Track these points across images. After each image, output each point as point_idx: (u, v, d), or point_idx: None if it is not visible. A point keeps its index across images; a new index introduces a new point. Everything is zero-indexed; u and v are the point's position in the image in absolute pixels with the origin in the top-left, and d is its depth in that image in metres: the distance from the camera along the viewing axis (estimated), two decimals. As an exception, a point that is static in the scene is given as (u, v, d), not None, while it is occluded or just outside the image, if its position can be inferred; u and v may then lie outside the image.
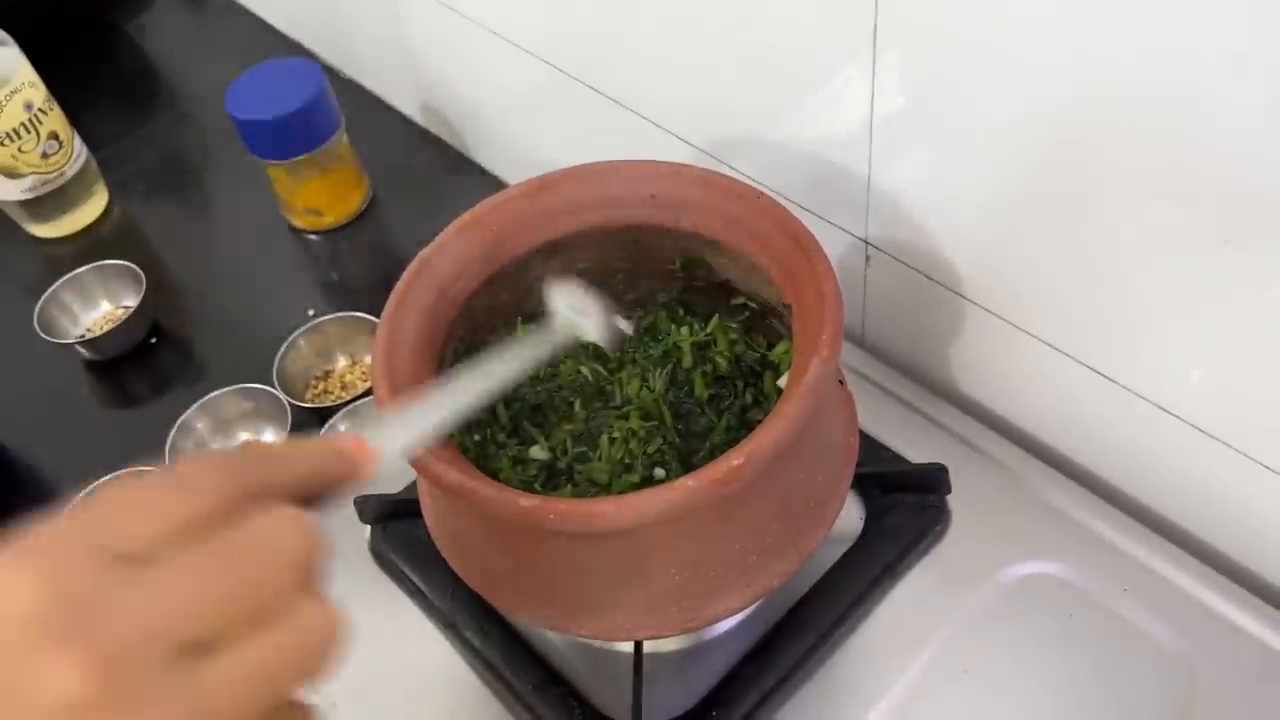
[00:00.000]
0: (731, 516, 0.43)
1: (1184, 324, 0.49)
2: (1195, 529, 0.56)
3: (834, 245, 0.63)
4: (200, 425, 0.76)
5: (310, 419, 0.73)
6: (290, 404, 0.75)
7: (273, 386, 0.75)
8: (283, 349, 0.77)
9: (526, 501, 0.40)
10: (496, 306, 0.54)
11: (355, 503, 0.59)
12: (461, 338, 0.53)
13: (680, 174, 0.51)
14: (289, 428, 0.73)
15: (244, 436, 0.77)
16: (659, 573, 0.44)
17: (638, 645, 0.50)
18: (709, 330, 0.55)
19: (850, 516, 0.56)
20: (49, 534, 0.25)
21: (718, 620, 0.46)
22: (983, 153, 0.50)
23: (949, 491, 0.55)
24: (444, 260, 0.50)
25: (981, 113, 0.49)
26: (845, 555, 0.54)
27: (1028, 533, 0.55)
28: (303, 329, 0.79)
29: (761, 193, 0.49)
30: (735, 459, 0.40)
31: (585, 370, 0.55)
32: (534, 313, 0.55)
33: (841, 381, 0.52)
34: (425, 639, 0.56)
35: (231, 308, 0.86)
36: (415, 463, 0.42)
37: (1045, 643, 0.51)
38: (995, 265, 0.55)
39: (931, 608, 0.53)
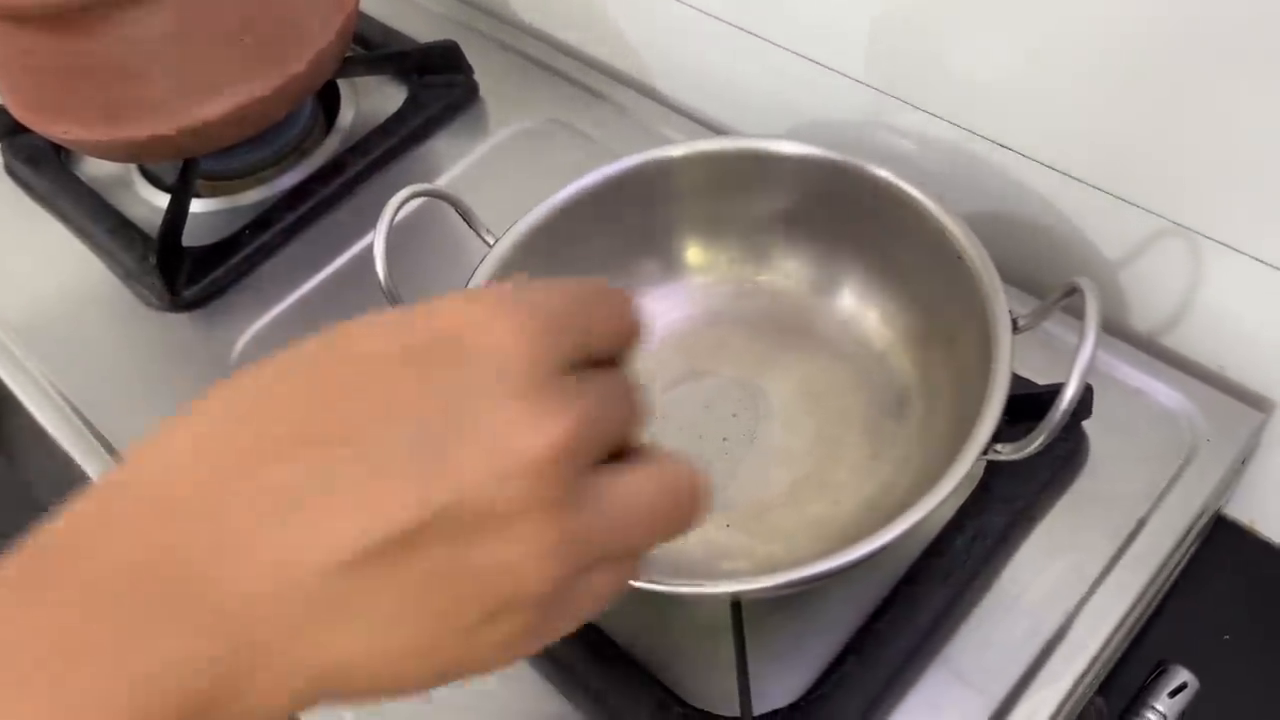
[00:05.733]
0: (196, 21, 0.54)
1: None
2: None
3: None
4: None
5: None
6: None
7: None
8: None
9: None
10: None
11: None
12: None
13: None
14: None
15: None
16: (153, 78, 0.55)
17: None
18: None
19: (398, 96, 0.67)
20: (522, 307, 0.24)
21: (211, 119, 0.56)
22: None
23: (469, 70, 0.67)
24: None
25: None
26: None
27: (537, 95, 0.67)
28: None
29: None
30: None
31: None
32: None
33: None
34: (60, 240, 0.66)
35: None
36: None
37: (536, 163, 0.63)
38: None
39: (459, 149, 0.65)
